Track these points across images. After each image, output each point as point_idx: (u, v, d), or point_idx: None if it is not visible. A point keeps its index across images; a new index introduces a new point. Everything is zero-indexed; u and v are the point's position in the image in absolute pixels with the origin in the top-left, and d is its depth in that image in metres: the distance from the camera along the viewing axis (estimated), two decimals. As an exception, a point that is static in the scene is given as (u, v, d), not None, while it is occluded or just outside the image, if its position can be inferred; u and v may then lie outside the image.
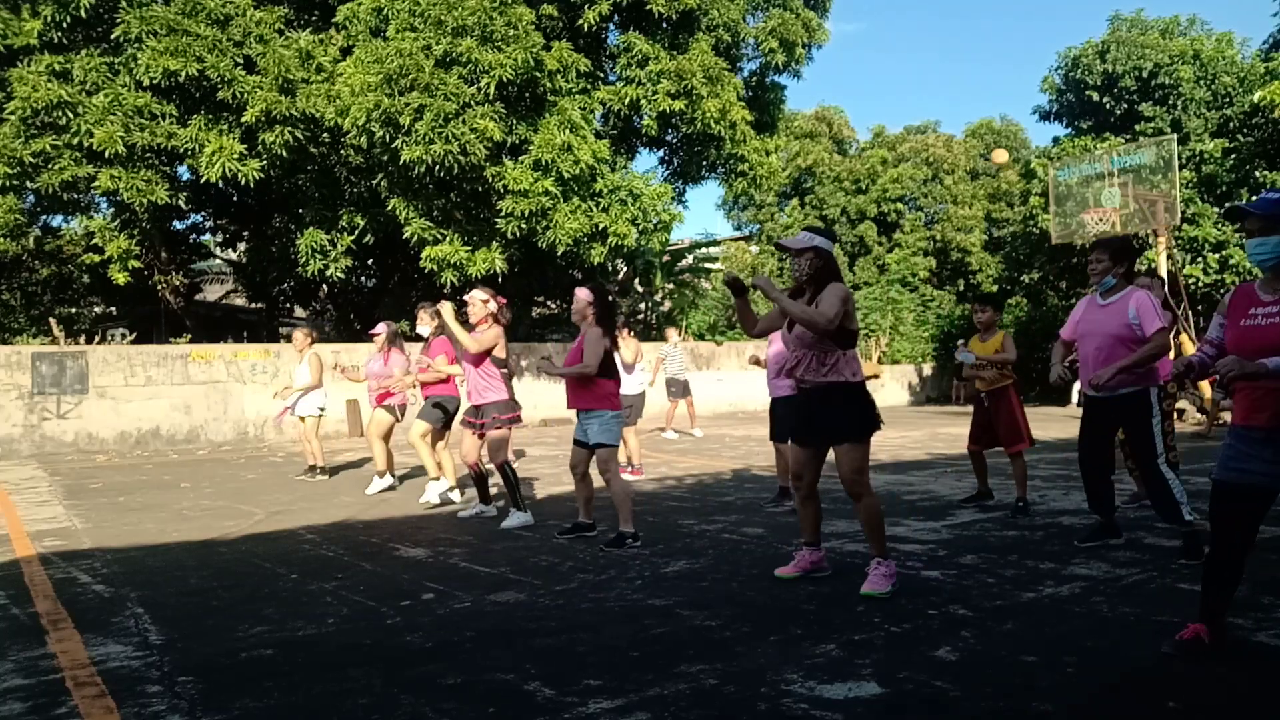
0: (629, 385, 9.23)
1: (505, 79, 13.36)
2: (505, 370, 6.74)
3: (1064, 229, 19.30)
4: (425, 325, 7.66)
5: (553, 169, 13.74)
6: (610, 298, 6.03)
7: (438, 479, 7.65)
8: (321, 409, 9.65)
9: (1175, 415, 7.08)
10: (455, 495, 7.63)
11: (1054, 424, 14.97)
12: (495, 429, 6.54)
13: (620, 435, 5.84)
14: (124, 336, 19.36)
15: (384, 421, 8.44)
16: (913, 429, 14.50)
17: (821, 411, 4.40)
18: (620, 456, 9.32)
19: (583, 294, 5.88)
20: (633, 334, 9.60)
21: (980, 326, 7.01)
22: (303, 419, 9.60)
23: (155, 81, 13.23)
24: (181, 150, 13.74)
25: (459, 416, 7.12)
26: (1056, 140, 24.77)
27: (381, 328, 8.58)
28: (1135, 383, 4.92)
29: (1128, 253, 5.15)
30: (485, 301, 6.61)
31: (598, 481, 5.98)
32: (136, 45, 13.37)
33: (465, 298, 6.74)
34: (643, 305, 22.42)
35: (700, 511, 6.98)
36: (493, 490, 7.08)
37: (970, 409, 7.24)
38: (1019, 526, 6.07)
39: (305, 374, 9.46)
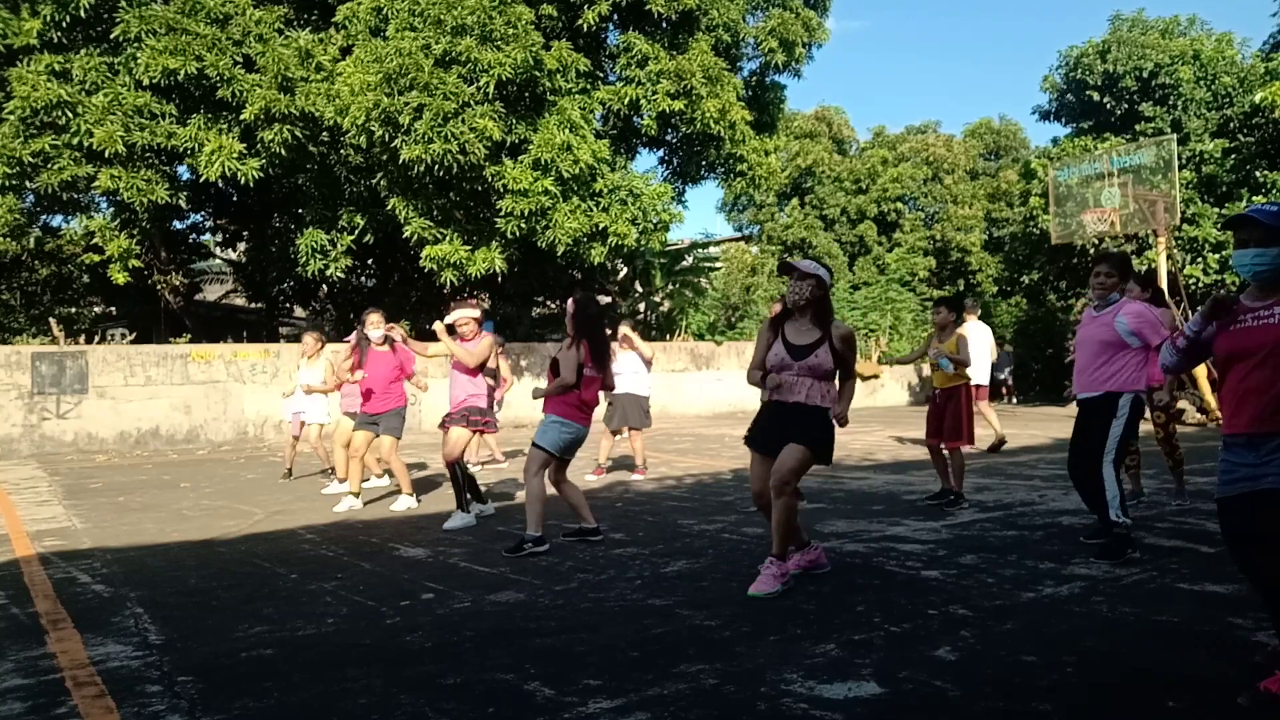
0: (643, 385, 9.23)
1: (504, 78, 13.35)
2: (491, 382, 6.81)
3: (1064, 229, 19.29)
4: (375, 329, 7.41)
5: (552, 168, 13.73)
6: (590, 310, 6.02)
7: (411, 494, 7.49)
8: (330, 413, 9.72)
9: (1177, 417, 7.18)
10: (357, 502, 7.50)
11: (1054, 424, 14.99)
12: (462, 427, 6.60)
13: (559, 447, 5.69)
14: (124, 336, 19.32)
15: (348, 429, 8.43)
16: (912, 429, 14.50)
17: (794, 424, 4.55)
18: (601, 458, 9.39)
19: (569, 307, 5.93)
20: (636, 331, 9.54)
21: (937, 326, 7.28)
22: (305, 424, 9.63)
23: (155, 81, 13.22)
24: (181, 150, 13.73)
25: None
26: (1056, 140, 24.76)
27: (354, 337, 8.45)
28: (1112, 387, 5.06)
29: (1131, 269, 5.31)
30: (477, 319, 6.76)
31: (587, 485, 5.99)
32: (136, 44, 13.35)
33: (454, 323, 6.73)
34: (643, 305, 22.41)
35: (700, 511, 6.98)
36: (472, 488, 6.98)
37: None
38: (1019, 526, 6.07)
39: (317, 378, 9.42)
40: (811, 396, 4.55)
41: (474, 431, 6.78)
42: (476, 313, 6.78)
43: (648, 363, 9.22)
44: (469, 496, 6.77)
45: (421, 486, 8.64)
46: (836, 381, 4.69)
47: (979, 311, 12.30)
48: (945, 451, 7.15)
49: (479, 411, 6.72)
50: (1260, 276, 3.10)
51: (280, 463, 10.87)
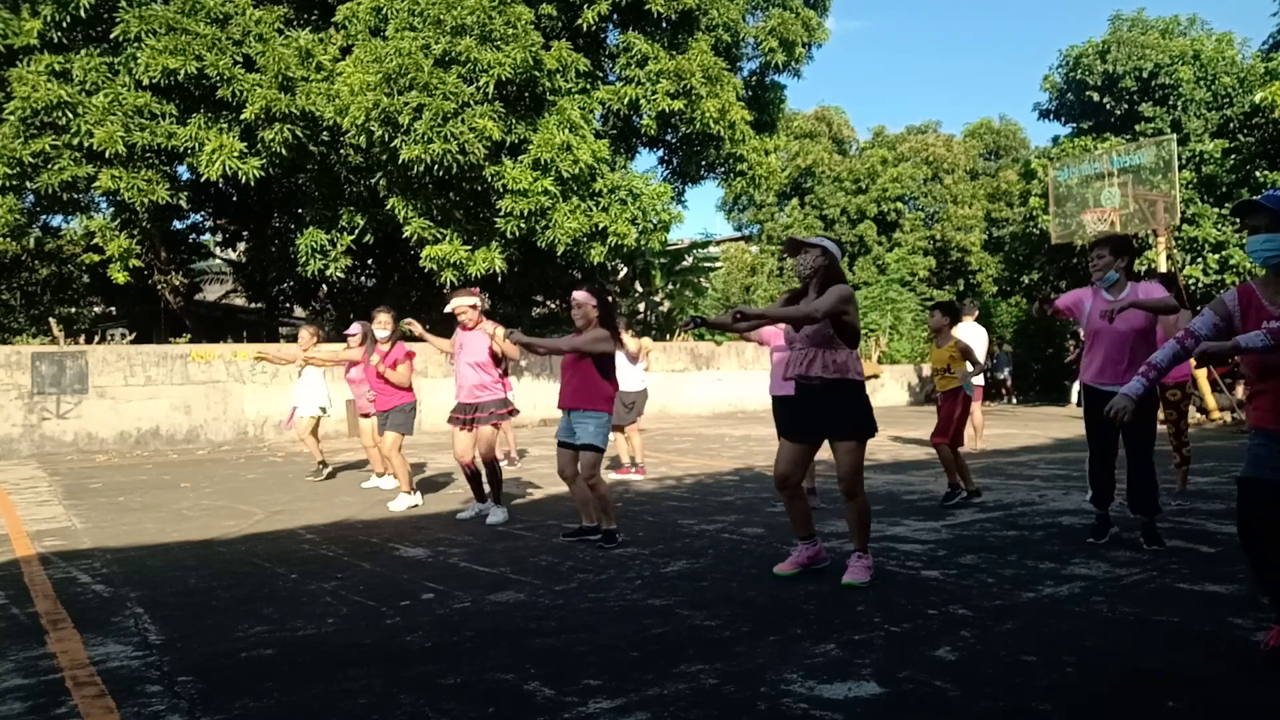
0: (632, 381, 9.22)
1: (504, 78, 13.35)
2: (502, 368, 6.78)
3: (1064, 229, 19.30)
4: (384, 329, 7.40)
5: (552, 168, 13.73)
6: (611, 298, 6.02)
7: (410, 492, 7.44)
8: (323, 409, 9.68)
9: (1187, 415, 7.21)
10: (415, 498, 7.51)
11: (1053, 424, 14.98)
12: (488, 424, 6.58)
13: (607, 441, 5.77)
14: (124, 336, 19.34)
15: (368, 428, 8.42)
16: (912, 429, 14.50)
17: (828, 409, 4.45)
18: (624, 457, 9.40)
19: (584, 297, 5.73)
20: (633, 333, 9.60)
21: (932, 330, 7.23)
22: (301, 417, 9.63)
23: (155, 81, 13.23)
24: (181, 149, 13.74)
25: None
26: (1056, 140, 24.78)
27: (356, 328, 8.38)
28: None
29: (1128, 248, 5.30)
30: (475, 306, 6.65)
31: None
32: (136, 44, 13.36)
33: (453, 312, 6.70)
34: (642, 305, 22.41)
35: (700, 511, 6.98)
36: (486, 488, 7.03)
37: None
38: (1019, 526, 6.07)
39: (311, 372, 9.50)
40: (828, 368, 4.42)
41: (499, 426, 6.76)
42: (475, 300, 6.69)
43: (632, 358, 9.15)
44: (475, 494, 6.80)
45: (422, 487, 8.65)
46: (851, 350, 4.53)
47: (976, 313, 12.31)
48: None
49: (501, 404, 6.68)
50: (1271, 263, 3.11)
51: (281, 462, 10.87)
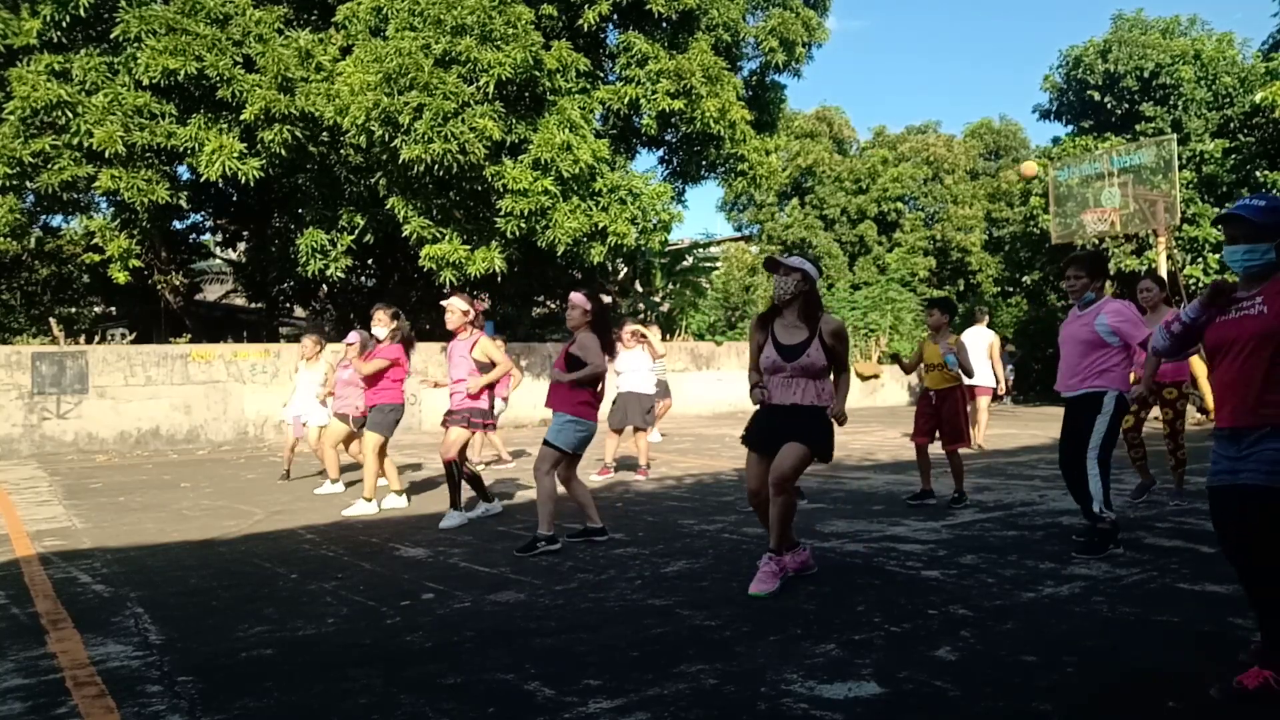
0: (645, 384, 9.27)
1: (504, 78, 13.35)
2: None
3: (1064, 229, 19.30)
4: (382, 327, 7.33)
5: (552, 168, 13.72)
6: (602, 303, 6.01)
7: (371, 499, 7.26)
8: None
9: (1184, 415, 7.21)
10: (401, 500, 7.52)
11: (1054, 424, 14.95)
12: (462, 427, 6.58)
13: (574, 446, 5.65)
14: (124, 336, 19.33)
15: (339, 431, 8.33)
16: (912, 428, 14.49)
17: (794, 424, 4.51)
18: (608, 456, 9.40)
19: (579, 299, 5.81)
20: (643, 330, 9.59)
21: (931, 329, 7.28)
22: (306, 425, 9.53)
23: (154, 81, 13.21)
24: (181, 149, 13.73)
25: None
26: (1057, 140, 24.75)
27: (354, 336, 8.21)
28: (1096, 385, 5.17)
29: (1104, 269, 5.34)
30: (466, 312, 6.64)
31: (591, 484, 5.96)
32: (136, 45, 13.35)
33: (444, 304, 6.73)
34: (642, 305, 22.40)
35: (700, 511, 6.98)
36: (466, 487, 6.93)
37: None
38: (1019, 526, 6.08)
39: (317, 380, 9.33)
40: (807, 397, 4.52)
41: (473, 431, 6.77)
42: (465, 305, 6.68)
43: (654, 355, 9.20)
44: (475, 495, 6.80)
45: (418, 487, 8.66)
46: (831, 378, 4.65)
47: (988, 318, 12.37)
48: (944, 452, 7.18)
49: (481, 413, 6.70)
50: (1251, 271, 3.15)
51: (280, 463, 10.87)
